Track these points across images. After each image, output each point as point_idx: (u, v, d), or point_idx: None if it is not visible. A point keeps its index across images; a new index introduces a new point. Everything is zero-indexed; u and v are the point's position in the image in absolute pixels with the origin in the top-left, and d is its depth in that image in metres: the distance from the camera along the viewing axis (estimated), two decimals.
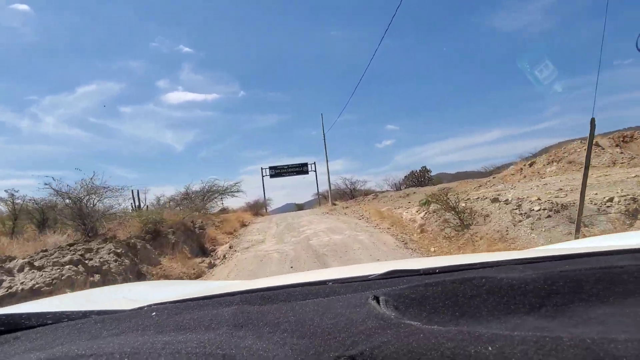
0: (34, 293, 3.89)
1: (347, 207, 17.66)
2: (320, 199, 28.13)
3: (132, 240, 6.22)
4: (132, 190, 14.73)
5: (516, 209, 5.91)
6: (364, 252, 6.36)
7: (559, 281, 0.52)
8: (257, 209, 24.48)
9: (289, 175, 29.50)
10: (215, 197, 19.26)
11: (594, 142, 14.46)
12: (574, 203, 5.25)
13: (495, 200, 7.46)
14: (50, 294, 3.95)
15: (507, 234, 5.51)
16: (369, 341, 0.39)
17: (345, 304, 0.52)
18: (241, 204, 24.16)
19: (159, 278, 5.64)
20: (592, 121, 4.23)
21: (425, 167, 28.24)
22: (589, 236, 4.70)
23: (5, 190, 9.35)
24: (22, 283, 4.02)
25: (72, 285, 4.29)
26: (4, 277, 4.07)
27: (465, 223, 6.51)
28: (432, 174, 27.69)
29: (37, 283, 4.04)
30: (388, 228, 8.39)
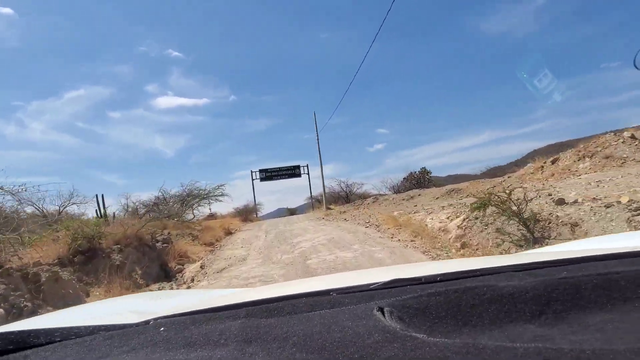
0: None
1: (344, 212, 15.79)
2: (314, 203, 27.05)
3: (33, 270, 3.99)
4: (97, 196, 12.42)
5: (637, 214, 3.88)
6: None
7: (558, 288, 0.52)
8: (247, 214, 23.60)
9: (281, 178, 28.31)
10: (196, 203, 16.90)
11: (630, 135, 12.75)
12: None
13: (560, 202, 5.49)
14: None
15: None
16: (377, 355, 0.39)
17: (351, 315, 0.52)
18: (230, 210, 22.60)
19: None
20: None
21: (424, 168, 26.52)
22: None
23: None
24: None
25: None
26: None
27: (534, 235, 4.48)
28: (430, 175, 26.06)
29: None
30: (411, 240, 6.29)
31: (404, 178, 25.71)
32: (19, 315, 3.41)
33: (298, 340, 0.46)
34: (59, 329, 0.59)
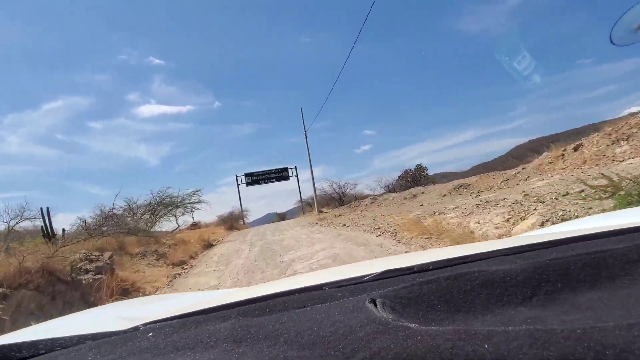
0: None
1: (340, 215, 13.82)
2: (304, 206, 25.01)
3: None
4: (42, 209, 9.99)
5: None
6: None
7: (547, 269, 0.53)
8: (233, 221, 21.73)
9: (268, 182, 26.39)
10: (169, 212, 14.59)
11: None
12: None
13: None
14: None
15: None
16: (369, 347, 0.39)
17: (343, 309, 0.51)
18: (215, 218, 20.48)
19: None
20: None
21: (420, 164, 24.83)
22: None
23: None
24: None
25: None
26: None
27: None
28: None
29: None
30: None
31: (399, 176, 24.03)
32: None
33: (289, 337, 0.45)
34: (43, 340, 0.58)
